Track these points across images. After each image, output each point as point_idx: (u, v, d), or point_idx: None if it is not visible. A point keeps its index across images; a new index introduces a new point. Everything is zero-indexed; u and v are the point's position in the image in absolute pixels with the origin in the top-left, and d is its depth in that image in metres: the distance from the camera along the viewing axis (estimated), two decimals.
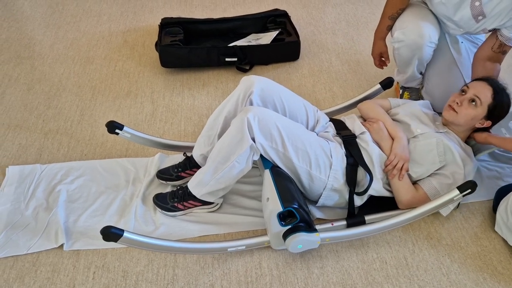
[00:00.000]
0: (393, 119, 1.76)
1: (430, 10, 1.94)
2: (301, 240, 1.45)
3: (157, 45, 2.45)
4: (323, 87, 2.37)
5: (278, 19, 2.69)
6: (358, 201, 1.63)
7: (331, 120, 1.78)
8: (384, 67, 2.14)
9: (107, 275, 1.49)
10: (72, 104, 2.23)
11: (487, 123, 1.68)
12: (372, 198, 1.65)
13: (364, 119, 1.79)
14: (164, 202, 1.66)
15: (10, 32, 2.78)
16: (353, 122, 1.74)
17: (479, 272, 1.53)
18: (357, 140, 1.66)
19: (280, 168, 1.56)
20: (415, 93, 2.16)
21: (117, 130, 1.71)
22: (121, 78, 2.41)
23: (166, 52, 2.36)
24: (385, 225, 1.52)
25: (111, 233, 1.32)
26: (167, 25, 2.57)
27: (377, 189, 1.61)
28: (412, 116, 1.75)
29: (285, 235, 1.46)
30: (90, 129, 2.07)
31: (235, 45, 2.42)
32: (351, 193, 1.60)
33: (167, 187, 1.78)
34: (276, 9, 2.76)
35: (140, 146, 1.96)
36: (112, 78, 2.41)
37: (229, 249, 1.50)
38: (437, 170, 1.62)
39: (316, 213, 1.67)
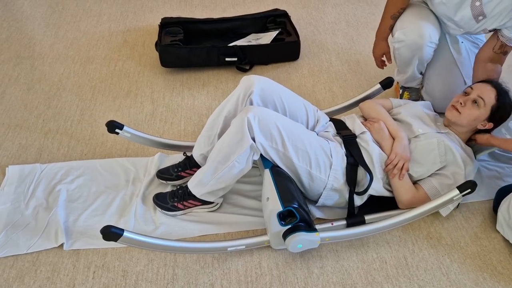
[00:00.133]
0: (395, 119, 1.76)
1: (431, 10, 1.94)
2: (301, 240, 1.45)
3: (157, 45, 2.45)
4: (323, 87, 2.37)
5: (278, 19, 2.69)
6: (358, 201, 1.63)
7: (331, 120, 1.78)
8: (384, 67, 2.14)
9: (107, 274, 1.49)
10: (72, 104, 2.23)
11: (489, 125, 1.69)
12: (372, 198, 1.65)
13: (365, 119, 1.79)
14: (164, 202, 1.66)
15: (10, 32, 2.78)
16: (353, 122, 1.74)
17: (478, 272, 1.53)
18: (357, 139, 1.66)
19: (280, 168, 1.56)
20: (415, 93, 2.16)
21: (117, 130, 1.71)
22: (121, 78, 2.41)
23: (166, 52, 2.36)
24: (385, 225, 1.52)
25: (111, 233, 1.32)
26: (167, 25, 2.57)
27: (377, 189, 1.62)
28: (414, 116, 1.75)
29: (285, 235, 1.46)
30: (90, 129, 2.07)
31: (235, 45, 2.42)
32: (351, 192, 1.60)
33: (167, 187, 1.78)
34: (276, 9, 2.76)
35: (140, 145, 1.96)
36: (112, 78, 2.41)
37: (229, 249, 1.50)
38: (437, 170, 1.62)
39: (316, 212, 1.67)
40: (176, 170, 1.76)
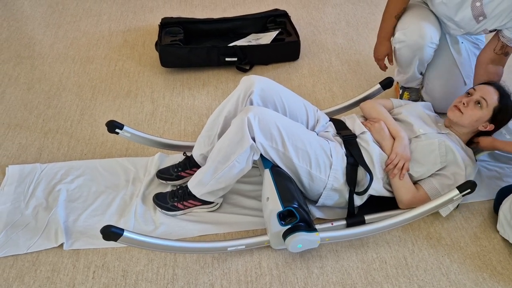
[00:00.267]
0: (396, 119, 1.76)
1: (431, 11, 1.94)
2: (301, 240, 1.45)
3: (157, 44, 2.45)
4: (323, 87, 2.37)
5: (278, 19, 2.69)
6: (358, 201, 1.63)
7: (331, 120, 1.78)
8: (386, 69, 2.14)
9: (107, 274, 1.49)
10: (72, 104, 2.23)
11: (490, 127, 1.69)
12: (372, 198, 1.65)
13: (365, 119, 1.79)
14: (164, 202, 1.66)
15: (10, 32, 2.78)
16: (353, 122, 1.74)
17: (478, 272, 1.53)
18: (357, 139, 1.66)
19: (280, 168, 1.56)
20: (415, 93, 2.16)
21: (117, 130, 1.71)
22: (121, 78, 2.41)
23: (166, 51, 2.36)
24: (384, 225, 1.52)
25: (111, 233, 1.32)
26: (167, 25, 2.57)
27: (377, 189, 1.62)
28: (415, 116, 1.76)
29: (285, 235, 1.46)
30: (90, 129, 2.07)
31: (235, 45, 2.42)
32: (351, 192, 1.60)
33: (167, 187, 1.78)
34: (276, 9, 2.76)
35: (140, 145, 1.96)
36: (112, 78, 2.41)
37: (229, 249, 1.50)
38: (438, 170, 1.62)
39: (316, 212, 1.67)
40: (176, 170, 1.76)
